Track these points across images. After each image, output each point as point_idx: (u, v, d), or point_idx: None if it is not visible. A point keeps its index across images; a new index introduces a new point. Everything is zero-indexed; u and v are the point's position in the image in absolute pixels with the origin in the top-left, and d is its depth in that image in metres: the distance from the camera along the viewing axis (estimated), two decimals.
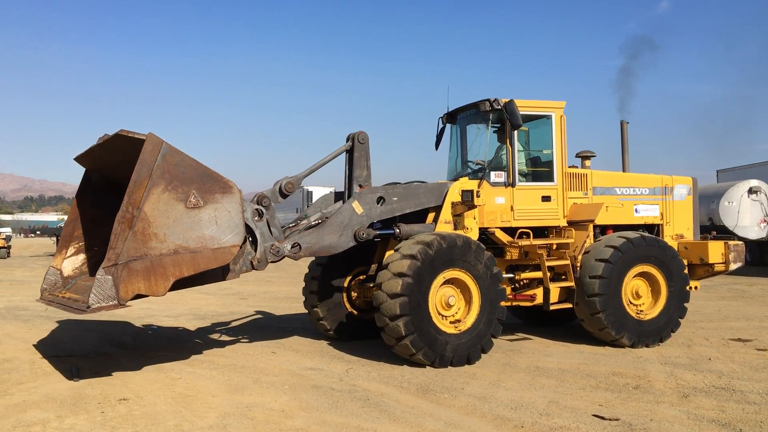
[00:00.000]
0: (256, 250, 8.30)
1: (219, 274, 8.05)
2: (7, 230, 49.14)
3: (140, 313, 13.51)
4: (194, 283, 7.99)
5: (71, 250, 8.66)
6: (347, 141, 9.33)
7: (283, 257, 8.52)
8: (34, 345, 9.79)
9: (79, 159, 8.51)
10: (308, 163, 9.49)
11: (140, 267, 6.91)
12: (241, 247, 7.94)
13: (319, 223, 8.83)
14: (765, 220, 24.79)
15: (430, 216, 9.45)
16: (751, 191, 24.75)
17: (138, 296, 7.01)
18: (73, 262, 8.63)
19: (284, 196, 8.67)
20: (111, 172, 8.32)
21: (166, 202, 7.11)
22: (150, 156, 7.00)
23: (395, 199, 9.20)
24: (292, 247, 8.51)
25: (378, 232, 9.16)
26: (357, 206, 8.94)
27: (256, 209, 8.35)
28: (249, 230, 8.22)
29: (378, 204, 9.07)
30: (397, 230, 9.15)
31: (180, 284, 7.58)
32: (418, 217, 9.45)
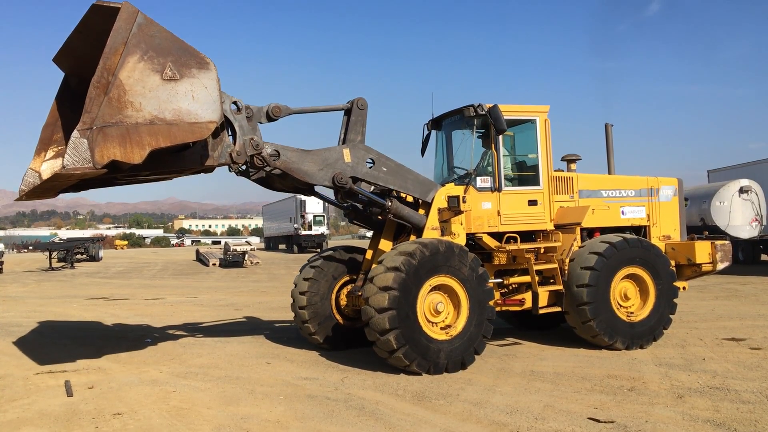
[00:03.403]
0: (235, 143, 8.30)
1: (197, 159, 8.04)
2: (0, 246, 48.84)
3: (134, 326, 13.47)
4: (173, 165, 7.96)
5: (50, 153, 8.37)
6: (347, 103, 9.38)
7: (260, 156, 8.42)
8: (27, 361, 9.74)
9: (58, 59, 8.24)
10: None
11: (115, 133, 6.81)
12: (219, 132, 7.94)
13: (307, 151, 8.81)
14: (756, 219, 24.93)
15: (422, 211, 9.53)
16: (742, 191, 24.89)
17: (114, 163, 6.85)
18: (52, 165, 8.28)
19: (270, 119, 8.66)
20: (91, 74, 7.84)
21: (142, 72, 7.04)
22: (125, 24, 6.93)
23: (384, 169, 9.23)
24: (271, 153, 8.50)
25: (367, 193, 9.19)
26: (347, 154, 8.98)
27: (235, 101, 8.33)
28: (228, 123, 8.22)
29: (367, 164, 9.11)
30: (389, 203, 9.18)
31: (158, 163, 7.56)
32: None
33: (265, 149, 8.44)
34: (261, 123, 8.57)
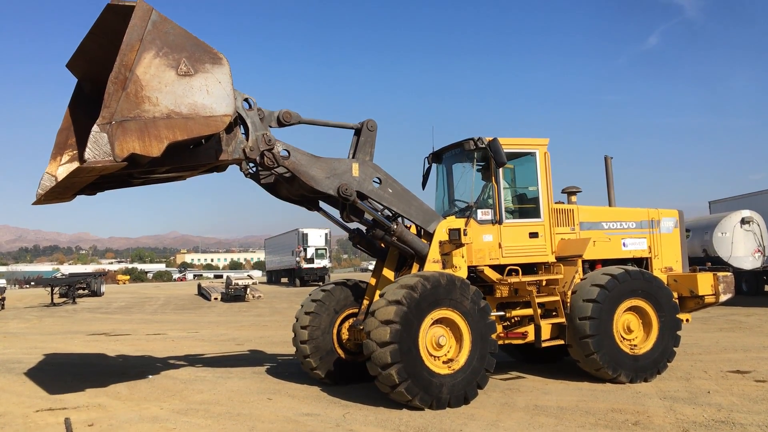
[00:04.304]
0: (248, 139, 8.38)
1: (212, 153, 8.15)
2: (2, 282, 48.80)
3: (135, 361, 13.40)
4: (189, 160, 8.07)
5: (66, 157, 8.45)
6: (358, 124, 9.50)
7: (271, 153, 8.49)
8: (27, 398, 9.68)
9: (71, 64, 8.36)
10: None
11: (134, 127, 6.93)
12: (232, 128, 8.09)
13: (318, 157, 8.88)
14: (759, 250, 24.89)
15: (424, 240, 9.55)
16: (743, 221, 24.91)
17: (133, 157, 6.94)
18: (68, 168, 8.34)
19: (280, 124, 8.75)
20: (104, 78, 7.86)
21: (158, 68, 7.18)
22: (140, 22, 7.08)
23: (390, 191, 9.28)
24: (282, 152, 8.59)
25: (373, 211, 9.20)
26: (356, 168, 9.05)
27: (246, 98, 8.44)
28: (241, 120, 8.35)
29: (374, 183, 9.16)
30: (395, 225, 9.20)
31: (174, 157, 7.69)
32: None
33: (277, 146, 8.56)
34: (271, 127, 8.70)
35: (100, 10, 7.16)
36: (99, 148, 6.69)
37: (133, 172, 8.01)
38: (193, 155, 8.10)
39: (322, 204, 9.94)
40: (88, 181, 7.93)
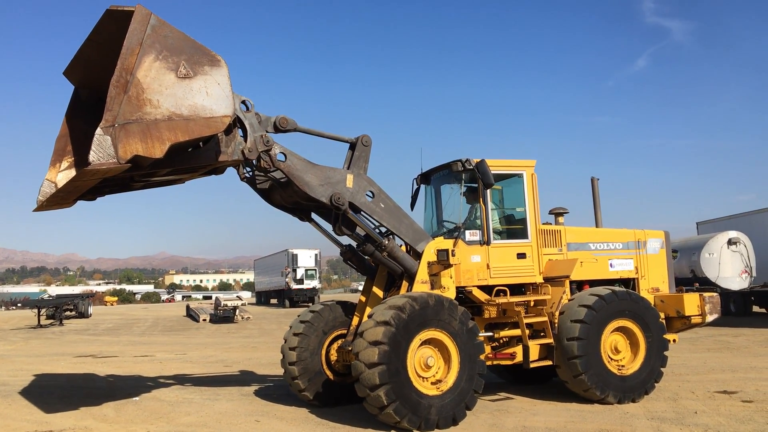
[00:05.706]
0: (246, 141, 8.42)
1: (212, 155, 8.23)
2: None
3: (122, 383, 13.29)
4: (190, 161, 8.14)
5: (65, 164, 8.51)
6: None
7: (269, 155, 8.54)
8: (12, 421, 9.56)
9: (68, 72, 8.45)
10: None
11: (136, 129, 7.00)
12: (231, 129, 8.19)
13: (314, 164, 8.90)
14: (746, 271, 25.09)
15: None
16: (730, 242, 25.15)
17: (136, 159, 6.99)
18: (67, 175, 8.42)
19: (277, 129, 8.78)
20: (101, 85, 7.95)
21: (158, 71, 7.27)
22: (140, 26, 7.18)
23: (382, 206, 9.33)
24: (279, 155, 8.63)
25: (365, 224, 9.23)
26: (350, 179, 9.10)
27: (244, 101, 8.50)
28: (239, 122, 8.42)
29: (366, 196, 9.20)
30: (386, 241, 9.23)
31: (176, 159, 7.77)
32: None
33: (275, 148, 8.61)
34: (268, 132, 8.75)
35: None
36: (103, 150, 6.77)
37: (135, 174, 8.10)
38: (193, 157, 8.23)
39: (315, 216, 9.98)
40: (91, 185, 7.99)
